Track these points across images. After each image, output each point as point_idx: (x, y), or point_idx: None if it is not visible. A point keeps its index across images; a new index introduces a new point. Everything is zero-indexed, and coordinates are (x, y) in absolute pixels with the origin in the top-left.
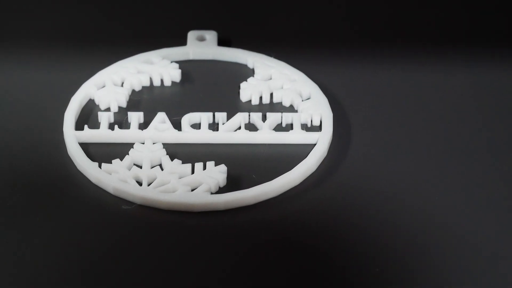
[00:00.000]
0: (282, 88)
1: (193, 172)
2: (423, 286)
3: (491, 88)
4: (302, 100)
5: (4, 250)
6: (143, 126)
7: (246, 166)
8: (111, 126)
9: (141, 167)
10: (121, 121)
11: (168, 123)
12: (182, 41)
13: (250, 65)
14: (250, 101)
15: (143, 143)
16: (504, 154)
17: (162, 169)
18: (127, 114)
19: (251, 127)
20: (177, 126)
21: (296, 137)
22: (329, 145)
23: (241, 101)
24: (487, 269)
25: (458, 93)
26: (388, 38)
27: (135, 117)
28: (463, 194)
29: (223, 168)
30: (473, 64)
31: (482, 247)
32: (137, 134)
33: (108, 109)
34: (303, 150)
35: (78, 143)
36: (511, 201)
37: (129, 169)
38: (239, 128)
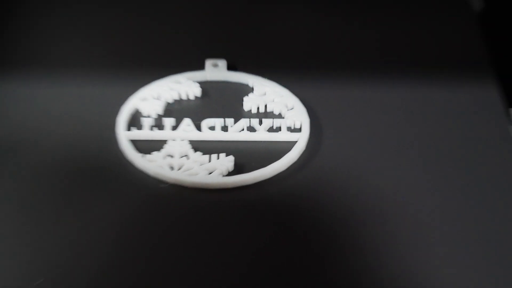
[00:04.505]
0: (273, 101)
1: (210, 160)
2: (380, 248)
3: (430, 103)
4: (288, 110)
5: (72, 219)
6: (174, 128)
7: (247, 156)
8: (151, 128)
9: (173, 157)
10: (158, 124)
11: (192, 126)
12: (201, 66)
13: (250, 85)
14: (250, 110)
15: (174, 140)
16: (443, 145)
17: (188, 159)
18: (162, 120)
19: (251, 129)
20: (199, 128)
21: (283, 136)
22: (306, 142)
23: (244, 110)
24: (438, 241)
25: (408, 103)
26: (351, 62)
27: (168, 122)
28: (413, 175)
29: (231, 158)
30: (422, 82)
31: (429, 219)
32: (170, 133)
33: (149, 116)
34: (288, 146)
35: (128, 140)
36: (456, 180)
37: (164, 159)
38: (243, 129)
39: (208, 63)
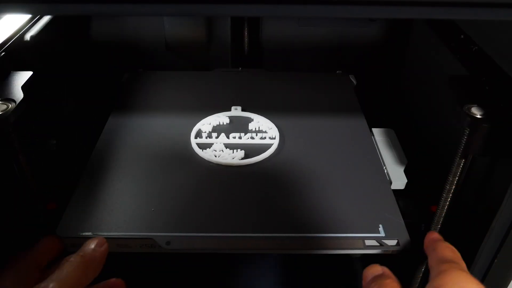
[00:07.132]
0: (262, 125)
1: (233, 152)
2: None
3: (333, 129)
4: (269, 129)
5: (166, 180)
6: (217, 137)
7: (250, 151)
8: (206, 137)
9: (216, 151)
10: (209, 135)
11: (225, 136)
12: (229, 109)
13: (252, 117)
14: (252, 129)
15: (217, 143)
16: (336, 148)
17: (222, 151)
18: (211, 133)
19: (252, 138)
20: (228, 137)
21: (267, 141)
22: (278, 144)
23: (249, 129)
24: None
25: (321, 130)
26: (295, 111)
27: (214, 134)
28: (324, 158)
29: (243, 151)
30: (330, 119)
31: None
32: (214, 140)
33: (205, 131)
34: (269, 146)
35: (195, 143)
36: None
37: (212, 151)
38: (248, 138)
39: (233, 108)
